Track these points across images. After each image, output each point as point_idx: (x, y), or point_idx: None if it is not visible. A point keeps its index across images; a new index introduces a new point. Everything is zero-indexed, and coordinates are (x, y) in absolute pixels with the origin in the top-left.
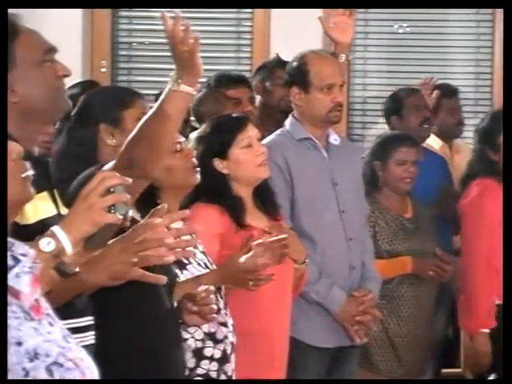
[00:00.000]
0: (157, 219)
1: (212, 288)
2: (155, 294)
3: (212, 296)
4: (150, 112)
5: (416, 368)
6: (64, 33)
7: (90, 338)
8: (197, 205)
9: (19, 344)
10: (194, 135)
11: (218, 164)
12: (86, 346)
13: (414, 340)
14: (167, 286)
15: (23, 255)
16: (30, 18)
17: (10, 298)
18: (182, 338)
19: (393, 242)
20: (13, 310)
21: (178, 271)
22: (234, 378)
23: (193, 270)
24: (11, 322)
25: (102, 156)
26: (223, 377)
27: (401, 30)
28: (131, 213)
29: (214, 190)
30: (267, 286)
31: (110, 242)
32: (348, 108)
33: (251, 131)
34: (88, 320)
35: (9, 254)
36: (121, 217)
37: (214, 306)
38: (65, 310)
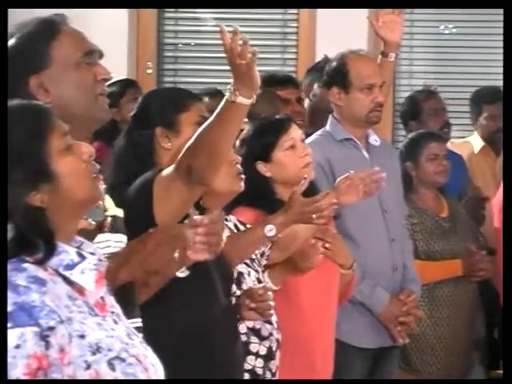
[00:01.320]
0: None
1: (270, 285)
2: (211, 290)
3: (270, 293)
4: (208, 121)
5: (456, 369)
6: (110, 34)
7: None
8: (239, 209)
9: (82, 337)
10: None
11: (261, 167)
12: None
13: (453, 341)
14: (224, 284)
15: (92, 253)
16: (75, 19)
17: (73, 293)
18: (239, 335)
19: (429, 242)
20: (76, 304)
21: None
22: (277, 375)
23: (249, 284)
24: (74, 315)
25: (159, 159)
26: (268, 374)
27: (446, 31)
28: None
29: (257, 193)
30: (311, 290)
31: None
32: (394, 110)
33: (294, 132)
34: (134, 322)
35: (74, 250)
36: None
37: (272, 303)
38: None
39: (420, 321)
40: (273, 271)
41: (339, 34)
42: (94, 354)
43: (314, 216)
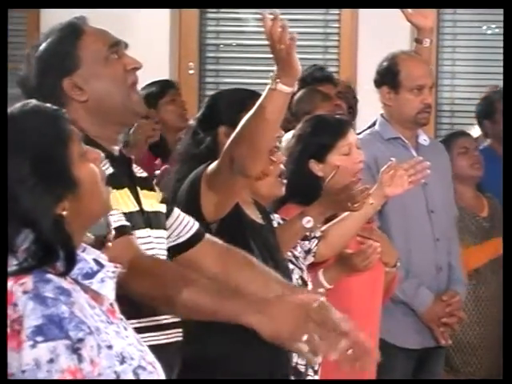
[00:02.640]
0: None
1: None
2: None
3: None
4: (251, 111)
5: (496, 369)
6: (152, 35)
7: (173, 335)
8: (288, 205)
9: (110, 347)
10: (289, 134)
11: (314, 166)
12: (169, 344)
13: (495, 341)
14: None
15: (105, 260)
16: (118, 20)
17: (91, 301)
18: None
19: (469, 242)
20: (96, 313)
21: None
22: (319, 373)
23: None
24: (99, 325)
25: None
26: (310, 372)
27: (489, 31)
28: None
29: (307, 191)
30: (357, 288)
31: None
32: (436, 110)
33: (352, 137)
34: (171, 317)
35: (92, 258)
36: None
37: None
38: (148, 308)
39: (462, 322)
40: (328, 270)
41: (381, 34)
42: (121, 363)
43: (349, 204)
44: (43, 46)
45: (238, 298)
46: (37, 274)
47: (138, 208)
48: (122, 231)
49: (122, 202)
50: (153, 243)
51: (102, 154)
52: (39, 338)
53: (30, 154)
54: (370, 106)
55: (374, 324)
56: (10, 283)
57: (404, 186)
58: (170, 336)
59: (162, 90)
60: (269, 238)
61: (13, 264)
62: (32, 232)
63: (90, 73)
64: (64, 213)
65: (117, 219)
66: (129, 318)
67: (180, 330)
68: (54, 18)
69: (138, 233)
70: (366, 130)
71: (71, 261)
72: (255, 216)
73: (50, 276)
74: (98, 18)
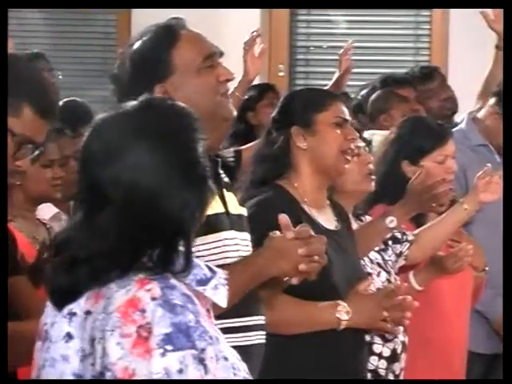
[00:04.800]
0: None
1: (414, 286)
2: (335, 295)
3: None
4: None
5: None
6: (242, 37)
7: (255, 337)
8: (379, 206)
9: (226, 359)
10: (377, 136)
11: (407, 167)
12: (250, 346)
13: None
14: (349, 285)
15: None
16: (208, 22)
17: (202, 310)
18: (365, 341)
19: None
20: (206, 320)
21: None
22: (401, 377)
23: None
24: (215, 333)
25: (294, 159)
26: (391, 376)
27: None
28: None
29: (398, 192)
30: (448, 292)
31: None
32: None
33: (450, 148)
34: (254, 320)
35: (204, 264)
36: None
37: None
38: (233, 309)
39: None
40: (419, 272)
41: (473, 34)
42: (235, 374)
43: (433, 204)
44: (138, 46)
45: None
46: (161, 279)
47: (223, 210)
48: None
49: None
50: (239, 245)
51: None
52: (169, 347)
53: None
54: (461, 106)
55: (463, 327)
56: (133, 288)
57: (499, 192)
58: (252, 338)
59: (261, 93)
60: (343, 242)
61: (137, 268)
62: (173, 233)
63: (182, 81)
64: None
65: None
66: (215, 318)
67: (263, 332)
68: (144, 21)
69: (225, 234)
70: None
71: (189, 264)
72: (328, 221)
73: (174, 282)
74: (186, 19)
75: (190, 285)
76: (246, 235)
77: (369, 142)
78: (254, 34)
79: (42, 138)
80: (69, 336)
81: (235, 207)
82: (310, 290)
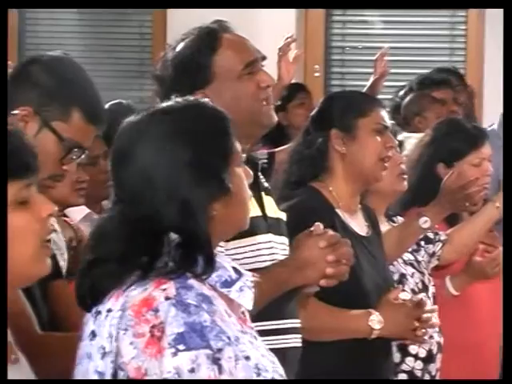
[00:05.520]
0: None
1: (451, 290)
2: (366, 302)
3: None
4: None
5: None
6: (278, 37)
7: (292, 340)
8: (414, 208)
9: (247, 358)
10: (412, 139)
11: (442, 169)
12: (287, 349)
13: None
14: (379, 291)
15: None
16: (242, 23)
17: (229, 310)
18: (392, 349)
19: None
20: (233, 321)
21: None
22: (437, 378)
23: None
24: (237, 334)
25: (331, 162)
26: (427, 376)
27: None
28: None
29: (434, 195)
30: (483, 298)
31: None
32: None
33: (486, 151)
34: (291, 322)
35: (231, 266)
36: None
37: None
38: (269, 312)
39: None
40: (456, 277)
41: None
42: (258, 375)
43: (466, 204)
44: (180, 51)
45: None
46: (179, 279)
47: (260, 213)
48: None
49: None
50: (274, 248)
51: (251, 175)
52: (181, 347)
53: (202, 142)
54: (496, 107)
55: (497, 331)
56: (150, 287)
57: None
58: (289, 341)
59: (292, 93)
60: (373, 248)
61: (157, 267)
62: (179, 228)
63: (223, 88)
64: (215, 214)
65: None
66: (251, 321)
67: (299, 335)
68: (180, 21)
69: (260, 238)
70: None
71: (210, 265)
72: (360, 226)
73: (191, 282)
74: (228, 21)
75: (214, 286)
76: (284, 239)
77: (400, 143)
78: (289, 39)
79: (89, 142)
80: (93, 334)
81: (274, 211)
82: (342, 297)
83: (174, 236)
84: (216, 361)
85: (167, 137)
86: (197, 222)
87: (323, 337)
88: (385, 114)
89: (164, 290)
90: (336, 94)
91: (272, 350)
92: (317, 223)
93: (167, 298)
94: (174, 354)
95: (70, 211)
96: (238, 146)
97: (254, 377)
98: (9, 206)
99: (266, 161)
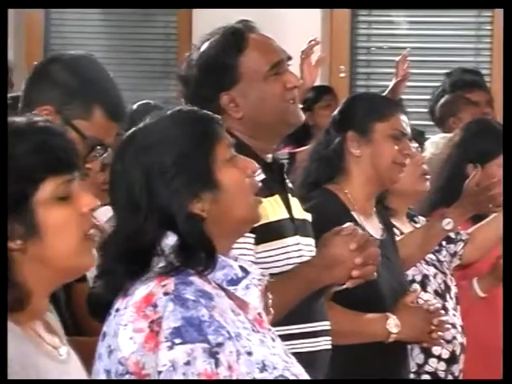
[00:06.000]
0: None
1: (478, 292)
2: (381, 305)
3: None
4: None
5: None
6: (303, 38)
7: (322, 343)
8: (441, 209)
9: (249, 354)
10: (435, 137)
11: (471, 170)
12: (317, 352)
13: None
14: (395, 294)
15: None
16: (268, 24)
17: (236, 308)
18: (408, 352)
19: None
20: (240, 319)
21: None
22: (460, 379)
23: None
24: (241, 331)
25: (347, 164)
26: (450, 377)
27: None
28: None
29: (459, 195)
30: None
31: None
32: None
33: None
34: (321, 325)
35: (237, 264)
36: None
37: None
38: (300, 315)
39: None
40: (482, 279)
41: None
42: (261, 371)
43: (490, 205)
44: (205, 51)
45: None
46: (180, 276)
47: (288, 215)
48: None
49: (270, 209)
50: (302, 250)
51: (257, 166)
52: (177, 340)
53: (174, 149)
54: None
55: None
56: (152, 284)
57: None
58: (320, 344)
59: (318, 94)
60: (388, 251)
61: (157, 267)
62: (171, 231)
63: (249, 89)
64: (202, 213)
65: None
66: (282, 324)
67: (329, 338)
68: (205, 22)
69: (288, 240)
70: None
71: (210, 262)
72: (375, 229)
73: (193, 279)
74: (253, 21)
75: (220, 284)
76: (311, 240)
77: (421, 142)
78: (313, 42)
79: (111, 140)
80: (103, 335)
81: (300, 212)
82: (358, 300)
83: (171, 238)
84: (214, 354)
85: (141, 149)
86: (178, 223)
87: (341, 340)
88: (405, 119)
89: (164, 286)
90: (358, 95)
91: (302, 353)
92: (349, 223)
93: (166, 294)
94: (170, 348)
95: (96, 212)
96: (224, 144)
97: (257, 372)
98: (46, 202)
99: (286, 161)
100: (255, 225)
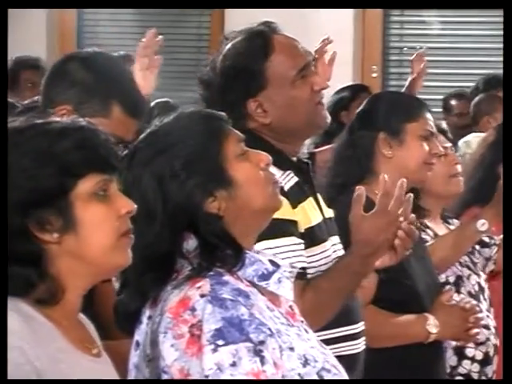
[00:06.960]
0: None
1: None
2: (420, 304)
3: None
4: None
5: None
6: (335, 37)
7: (362, 344)
8: (473, 209)
9: (291, 349)
10: (469, 137)
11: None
12: (358, 353)
13: None
14: (430, 293)
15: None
16: (300, 23)
17: (270, 304)
18: (443, 350)
19: None
20: (275, 315)
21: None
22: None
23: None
24: (280, 327)
25: (377, 165)
26: (483, 379)
27: None
28: None
29: (491, 196)
30: None
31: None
32: None
33: None
34: (359, 327)
35: (267, 259)
36: None
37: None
38: (342, 317)
39: None
40: None
41: None
42: (304, 366)
43: None
44: (229, 54)
45: None
46: (213, 276)
47: (321, 217)
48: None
49: (310, 214)
50: (338, 251)
51: (269, 159)
52: (220, 342)
53: (183, 151)
54: None
55: None
56: (186, 288)
57: None
58: (360, 345)
59: (355, 93)
60: (418, 250)
61: (187, 269)
62: (191, 233)
63: (276, 94)
64: (219, 212)
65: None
66: (326, 328)
67: (365, 338)
68: (238, 22)
69: (327, 244)
70: None
71: (238, 257)
72: None
73: (226, 278)
74: (279, 20)
75: (252, 281)
76: (337, 238)
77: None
78: (325, 41)
79: (130, 136)
80: (137, 344)
81: (326, 210)
82: (396, 300)
83: (191, 242)
84: (258, 353)
85: (149, 157)
86: (196, 224)
87: (382, 343)
88: (431, 118)
89: (199, 287)
90: (382, 93)
91: (344, 356)
92: (358, 186)
93: (202, 296)
94: (214, 350)
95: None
96: (234, 140)
97: (300, 367)
98: (85, 198)
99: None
100: (301, 230)
